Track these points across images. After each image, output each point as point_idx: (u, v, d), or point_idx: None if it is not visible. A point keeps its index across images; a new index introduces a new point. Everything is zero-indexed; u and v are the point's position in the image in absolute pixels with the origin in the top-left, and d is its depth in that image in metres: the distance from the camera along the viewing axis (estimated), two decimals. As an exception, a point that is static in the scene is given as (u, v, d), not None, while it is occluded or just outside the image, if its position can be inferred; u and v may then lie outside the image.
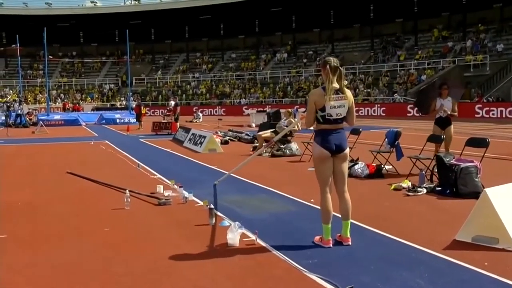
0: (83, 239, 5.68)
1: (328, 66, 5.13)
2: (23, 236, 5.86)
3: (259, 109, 32.82)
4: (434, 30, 46.66)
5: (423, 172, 8.64)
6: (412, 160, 9.34)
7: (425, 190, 7.98)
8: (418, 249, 5.05)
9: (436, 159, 8.46)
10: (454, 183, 7.61)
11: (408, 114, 35.69)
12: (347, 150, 5.27)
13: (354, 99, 5.64)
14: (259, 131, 16.18)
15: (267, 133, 14.34)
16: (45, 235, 5.90)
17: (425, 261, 4.71)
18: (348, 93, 5.23)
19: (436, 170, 8.49)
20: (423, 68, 42.09)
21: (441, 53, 43.05)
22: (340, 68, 5.24)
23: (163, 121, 24.94)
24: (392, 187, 8.38)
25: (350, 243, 5.22)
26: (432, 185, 8.16)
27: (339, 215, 5.31)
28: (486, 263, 4.58)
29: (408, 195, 7.86)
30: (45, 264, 4.84)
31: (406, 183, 8.33)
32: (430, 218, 6.46)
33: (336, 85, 5.13)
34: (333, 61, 5.20)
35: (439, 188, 7.91)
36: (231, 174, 8.31)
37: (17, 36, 39.48)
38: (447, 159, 8.04)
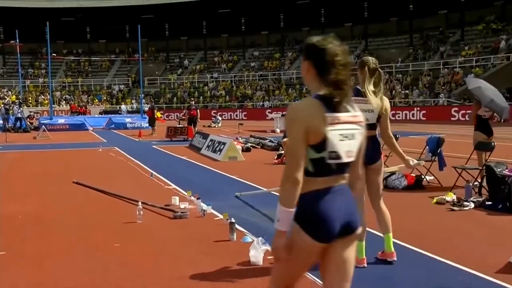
0: (92, 255, 5.76)
1: (366, 68, 5.16)
2: (25, 252, 5.96)
3: (284, 113, 32.77)
4: (483, 23, 45.99)
5: (470, 184, 8.54)
6: (457, 171, 9.25)
7: (472, 205, 7.89)
8: (466, 272, 5.00)
9: (485, 169, 8.36)
10: (507, 197, 7.52)
11: (452, 118, 35.30)
12: (380, 161, 5.26)
13: (390, 102, 5.56)
14: (284, 137, 16.18)
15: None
16: (49, 251, 6.00)
17: (475, 286, 4.66)
18: (385, 101, 5.23)
19: (485, 182, 8.39)
20: (470, 66, 41.56)
21: (492, 48, 42.42)
22: (379, 69, 5.26)
23: (178, 125, 25.12)
24: (434, 200, 8.30)
25: (395, 258, 5.22)
26: (480, 199, 8.06)
27: (375, 232, 5.30)
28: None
29: (452, 210, 7.78)
30: (51, 283, 4.92)
31: (451, 196, 8.25)
32: (479, 236, 6.39)
33: (372, 87, 5.16)
34: (372, 62, 5.23)
35: (489, 203, 7.82)
36: (256, 186, 8.35)
37: (17, 31, 40.08)
38: (499, 170, 7.94)
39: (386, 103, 5.25)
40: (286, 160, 2.72)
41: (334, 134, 2.68)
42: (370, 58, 5.32)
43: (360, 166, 2.98)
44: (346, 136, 2.72)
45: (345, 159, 2.74)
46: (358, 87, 5.22)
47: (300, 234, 2.69)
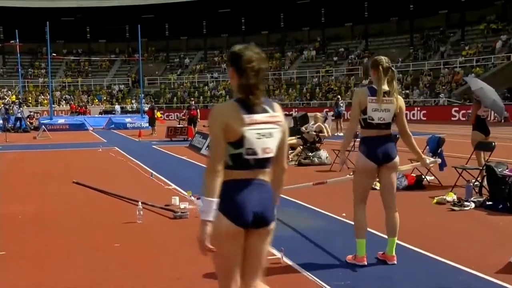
0: (92, 255, 5.76)
1: (380, 67, 5.15)
2: (25, 252, 5.96)
3: (284, 113, 32.78)
4: (484, 22, 45.87)
5: (471, 184, 8.54)
6: (457, 171, 9.25)
7: (473, 205, 7.88)
8: (466, 272, 5.00)
9: (486, 169, 8.36)
10: (508, 197, 7.52)
11: (453, 118, 35.33)
12: (397, 159, 5.25)
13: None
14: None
15: (293, 140, 14.34)
16: (49, 251, 6.00)
17: (475, 286, 4.66)
18: (400, 100, 5.23)
19: (486, 182, 8.39)
20: (470, 65, 41.55)
21: (492, 48, 42.39)
22: (393, 68, 5.26)
23: (178, 125, 25.12)
24: (435, 200, 8.30)
25: (395, 262, 5.22)
26: (481, 199, 8.06)
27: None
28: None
29: (453, 210, 7.78)
30: (51, 283, 4.92)
31: (451, 196, 8.25)
32: (479, 236, 6.39)
33: (386, 87, 5.16)
34: (385, 61, 5.21)
35: (490, 203, 7.82)
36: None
37: (17, 31, 40.12)
38: (499, 170, 7.94)
39: (401, 101, 5.25)
40: (209, 154, 2.95)
41: (251, 133, 2.93)
42: (382, 57, 5.28)
43: (285, 160, 3.18)
44: (263, 134, 2.97)
45: (262, 155, 2.97)
46: (374, 86, 5.21)
47: (220, 218, 2.90)
